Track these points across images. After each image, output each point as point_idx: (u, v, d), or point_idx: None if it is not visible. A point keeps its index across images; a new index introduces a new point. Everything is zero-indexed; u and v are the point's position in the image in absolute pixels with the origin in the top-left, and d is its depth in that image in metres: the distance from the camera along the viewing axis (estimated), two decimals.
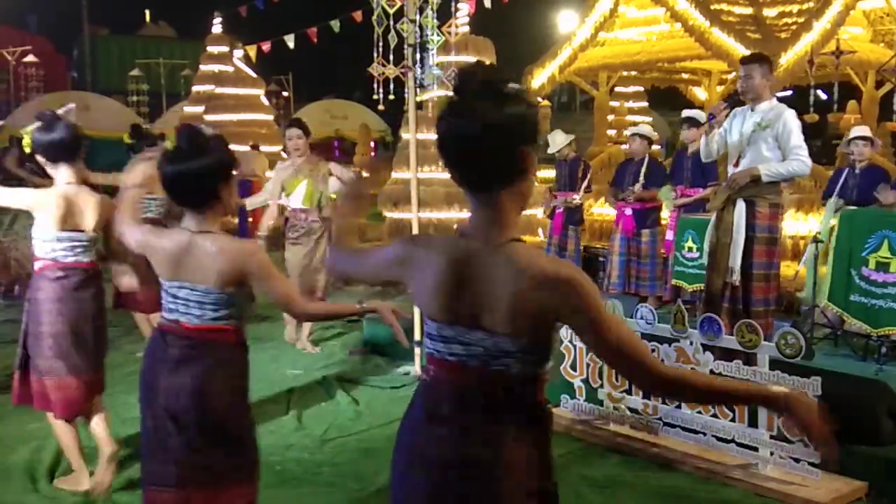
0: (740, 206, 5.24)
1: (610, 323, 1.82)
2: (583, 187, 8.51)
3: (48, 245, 3.84)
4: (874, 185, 6.69)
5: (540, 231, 10.76)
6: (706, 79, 13.57)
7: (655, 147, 9.07)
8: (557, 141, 8.74)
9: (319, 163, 6.85)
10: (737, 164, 5.36)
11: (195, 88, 18.04)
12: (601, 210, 10.81)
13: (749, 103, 5.37)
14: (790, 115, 5.24)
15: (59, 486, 4.13)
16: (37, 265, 3.89)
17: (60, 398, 3.88)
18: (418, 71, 10.42)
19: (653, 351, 4.51)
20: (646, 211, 7.98)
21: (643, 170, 7.90)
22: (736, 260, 5.22)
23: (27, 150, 3.97)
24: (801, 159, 5.14)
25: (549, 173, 11.79)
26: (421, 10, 6.89)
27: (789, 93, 15.19)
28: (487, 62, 9.56)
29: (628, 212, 8.00)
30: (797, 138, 5.18)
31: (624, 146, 11.63)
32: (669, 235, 7.74)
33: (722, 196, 5.37)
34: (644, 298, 7.69)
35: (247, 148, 14.37)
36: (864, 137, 6.95)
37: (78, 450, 4.06)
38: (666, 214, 8.24)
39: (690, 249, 7.13)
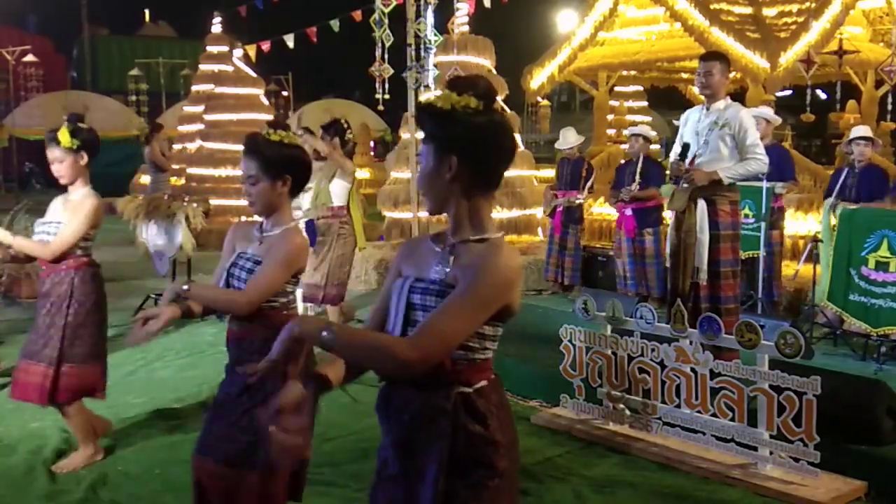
0: (702, 206, 5.30)
1: None
2: (587, 187, 8.51)
3: (87, 243, 4.19)
4: (873, 184, 6.70)
5: (539, 230, 10.75)
6: None
7: (654, 146, 9.05)
8: (570, 139, 8.71)
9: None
10: (692, 163, 5.39)
11: (195, 88, 18.00)
12: (601, 210, 10.80)
13: (705, 101, 5.40)
14: (746, 114, 5.31)
15: (61, 469, 4.25)
16: (74, 262, 4.13)
17: (89, 383, 4.21)
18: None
19: (653, 350, 4.51)
20: (646, 210, 7.96)
21: (638, 169, 7.90)
22: (702, 259, 5.28)
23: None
24: (758, 158, 5.23)
25: (548, 172, 11.80)
26: (419, 12, 6.91)
27: (789, 93, 15.20)
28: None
29: (628, 212, 7.99)
30: (753, 137, 5.26)
31: (624, 146, 11.62)
32: None
33: (683, 197, 5.39)
34: (644, 298, 7.65)
35: None
36: (864, 138, 6.95)
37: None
38: (668, 214, 8.24)
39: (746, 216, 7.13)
